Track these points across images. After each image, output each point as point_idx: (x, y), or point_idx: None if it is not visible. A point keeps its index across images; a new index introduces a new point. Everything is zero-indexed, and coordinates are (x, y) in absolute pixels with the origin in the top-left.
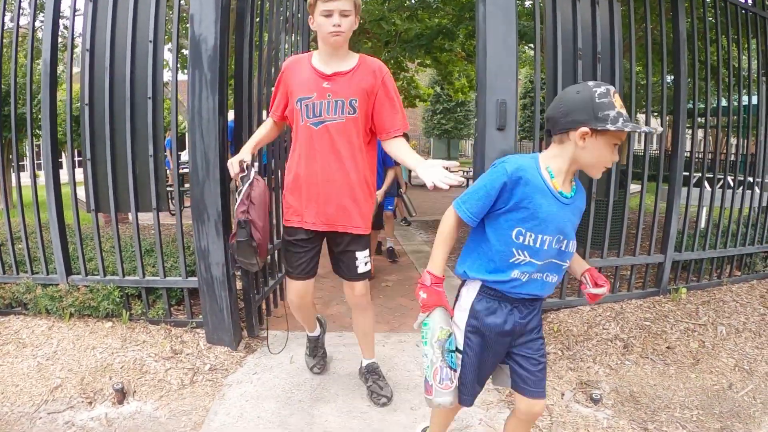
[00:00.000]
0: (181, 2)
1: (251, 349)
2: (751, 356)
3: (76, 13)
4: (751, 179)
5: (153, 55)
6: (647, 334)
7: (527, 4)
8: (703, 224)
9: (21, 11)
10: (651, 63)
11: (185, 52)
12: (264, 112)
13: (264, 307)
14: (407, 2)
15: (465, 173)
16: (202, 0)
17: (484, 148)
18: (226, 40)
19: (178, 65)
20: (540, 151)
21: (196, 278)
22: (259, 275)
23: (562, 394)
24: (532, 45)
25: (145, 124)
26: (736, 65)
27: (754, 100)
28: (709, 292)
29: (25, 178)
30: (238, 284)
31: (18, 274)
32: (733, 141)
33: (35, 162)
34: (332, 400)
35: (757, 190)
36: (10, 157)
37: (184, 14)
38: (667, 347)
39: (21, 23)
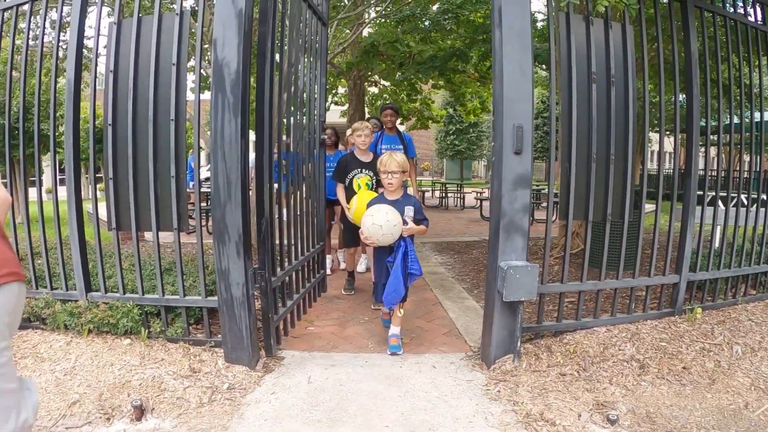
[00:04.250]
0: (204, 29)
1: (269, 368)
2: (767, 375)
3: (100, 34)
4: (765, 196)
5: (176, 78)
6: (663, 355)
7: (539, 25)
8: (717, 243)
9: (44, 31)
10: (663, 82)
11: (203, 72)
12: (284, 136)
13: (282, 327)
14: (421, 24)
15: (478, 194)
16: (225, 25)
17: (501, 172)
18: (248, 64)
19: (200, 88)
20: (556, 170)
21: (215, 298)
22: (278, 296)
23: (579, 415)
24: (545, 66)
25: (168, 145)
26: (748, 83)
27: (767, 116)
28: (724, 312)
29: (45, 194)
30: (257, 304)
31: (37, 289)
32: (746, 158)
33: (56, 177)
34: (350, 421)
35: None
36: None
37: (205, 37)
38: (683, 367)
39: (44, 42)
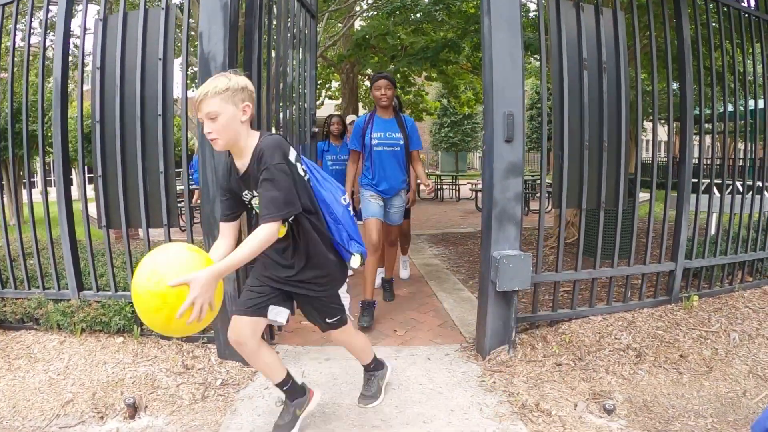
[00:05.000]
0: (190, 20)
1: None
2: (764, 362)
3: (87, 32)
4: (760, 183)
5: (162, 73)
6: (660, 343)
7: (531, 15)
8: (713, 231)
9: (32, 30)
10: (656, 70)
11: (195, 69)
12: (273, 128)
13: None
14: (412, 16)
15: (474, 185)
16: (211, 18)
17: (493, 161)
18: (235, 57)
19: (188, 82)
20: (549, 162)
21: None
22: None
23: (575, 405)
24: (537, 56)
25: (156, 141)
26: (742, 70)
27: (761, 104)
28: (721, 299)
29: (36, 194)
30: None
31: (30, 289)
32: (741, 146)
33: (46, 178)
34: (344, 414)
35: (766, 194)
36: (21, 173)
37: (193, 32)
38: (680, 355)
39: (31, 42)
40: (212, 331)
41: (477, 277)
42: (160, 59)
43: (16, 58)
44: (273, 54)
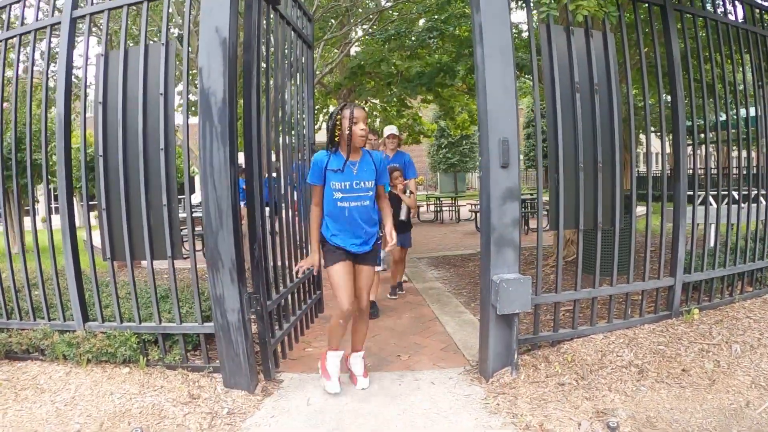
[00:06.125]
0: (189, 49)
1: (268, 392)
2: (767, 372)
3: (89, 63)
4: (755, 191)
5: (164, 108)
6: (661, 358)
7: (524, 35)
8: (712, 242)
9: (33, 63)
10: (647, 86)
11: (193, 97)
12: (272, 154)
13: (279, 350)
14: (408, 42)
15: (473, 206)
16: (210, 53)
17: (489, 186)
18: (235, 91)
19: (188, 112)
20: (546, 179)
21: (211, 323)
22: (274, 319)
23: (579, 424)
24: (531, 76)
25: (158, 175)
26: (732, 80)
27: (752, 111)
28: (721, 311)
29: (38, 221)
30: (254, 328)
31: (35, 320)
32: (734, 154)
33: (49, 205)
34: None
35: (763, 201)
36: (23, 202)
37: (192, 63)
38: (682, 370)
39: (33, 74)
40: (218, 361)
41: (478, 299)
42: (161, 94)
43: (19, 89)
44: (271, 85)
